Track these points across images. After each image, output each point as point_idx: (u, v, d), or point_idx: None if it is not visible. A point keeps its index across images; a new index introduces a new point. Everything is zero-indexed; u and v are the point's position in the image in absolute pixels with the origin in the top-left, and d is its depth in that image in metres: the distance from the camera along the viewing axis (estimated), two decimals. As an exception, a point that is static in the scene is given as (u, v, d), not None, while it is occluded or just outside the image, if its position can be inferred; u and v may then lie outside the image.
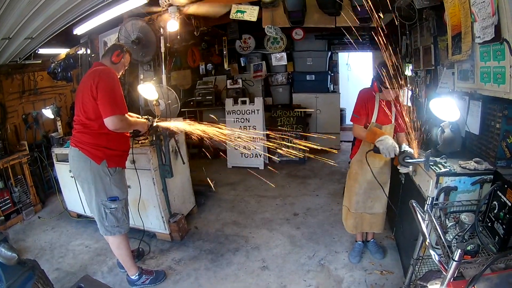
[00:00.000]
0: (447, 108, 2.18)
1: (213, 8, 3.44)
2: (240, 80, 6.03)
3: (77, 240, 3.53)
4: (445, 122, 2.32)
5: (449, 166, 2.12)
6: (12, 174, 3.85)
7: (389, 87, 2.29)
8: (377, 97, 2.49)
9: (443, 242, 1.51)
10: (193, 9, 3.34)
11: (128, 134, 2.71)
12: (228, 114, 5.71)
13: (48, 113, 3.71)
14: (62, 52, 4.37)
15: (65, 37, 3.65)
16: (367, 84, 2.71)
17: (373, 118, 2.51)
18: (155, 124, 2.88)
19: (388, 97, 2.42)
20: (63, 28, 3.21)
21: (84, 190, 2.54)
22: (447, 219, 1.83)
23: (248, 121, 5.63)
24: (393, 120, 2.52)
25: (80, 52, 4.15)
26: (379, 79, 2.37)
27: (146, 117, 2.84)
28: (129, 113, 2.86)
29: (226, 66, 6.14)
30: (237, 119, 5.66)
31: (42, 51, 3.97)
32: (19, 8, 2.60)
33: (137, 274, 2.72)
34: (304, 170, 5.42)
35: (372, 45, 5.26)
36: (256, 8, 3.35)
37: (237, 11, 3.38)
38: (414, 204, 1.82)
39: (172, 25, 3.16)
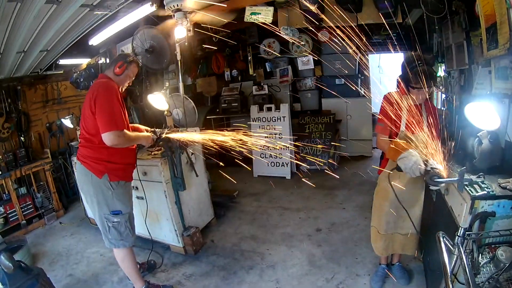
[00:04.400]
0: (485, 115, 1.82)
1: (218, 17, 3.32)
2: (266, 86, 5.84)
3: (93, 248, 3.57)
4: (483, 131, 1.96)
5: (487, 188, 1.75)
6: (35, 180, 4.01)
7: (419, 86, 1.97)
8: (404, 100, 2.15)
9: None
10: (198, 17, 3.22)
11: (135, 147, 2.65)
12: (253, 121, 5.54)
13: (67, 122, 3.80)
14: (84, 62, 4.49)
15: (84, 48, 3.72)
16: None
17: (402, 126, 2.17)
18: (164, 136, 2.80)
19: (418, 99, 2.10)
20: (76, 39, 3.27)
21: (88, 203, 2.54)
22: (480, 255, 1.49)
23: (274, 129, 5.41)
24: (425, 127, 2.13)
25: (100, 61, 4.23)
26: (405, 79, 2.06)
27: (152, 130, 2.78)
28: (137, 126, 2.83)
29: (251, 71, 5.99)
30: (263, 127, 5.47)
31: (63, 61, 4.10)
32: (26, 23, 2.65)
33: None
34: (332, 180, 5.08)
35: (401, 44, 4.82)
36: (271, 8, 3.14)
37: (252, 13, 3.20)
38: (441, 236, 1.51)
39: (179, 31, 3.07)
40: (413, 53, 2.03)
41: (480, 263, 1.45)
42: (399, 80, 2.12)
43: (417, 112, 2.13)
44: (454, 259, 1.49)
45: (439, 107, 3.06)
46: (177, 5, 2.91)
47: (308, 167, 5.43)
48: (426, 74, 1.94)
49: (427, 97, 2.10)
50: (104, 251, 3.46)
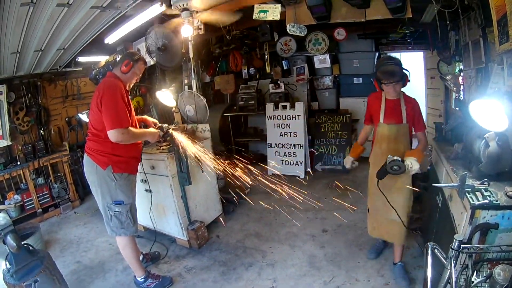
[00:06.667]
0: (493, 114, 1.66)
1: (223, 17, 3.34)
2: (282, 84, 5.76)
3: (103, 237, 3.70)
4: (490, 132, 1.82)
5: (490, 196, 1.61)
6: (53, 171, 4.20)
7: (385, 81, 2.30)
8: (383, 96, 2.46)
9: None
10: (205, 16, 3.25)
11: (140, 141, 2.72)
12: (268, 119, 5.52)
13: (84, 117, 3.96)
14: (102, 59, 4.63)
15: (102, 45, 3.86)
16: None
17: (381, 119, 2.48)
18: (170, 131, 2.87)
19: (388, 95, 2.41)
20: (91, 38, 3.40)
21: (93, 192, 2.65)
22: (477, 272, 1.37)
23: (289, 127, 5.37)
24: (404, 119, 2.40)
25: (118, 59, 4.35)
26: (376, 78, 2.39)
27: (159, 125, 2.86)
28: (145, 118, 2.95)
29: (268, 69, 5.93)
30: (277, 125, 5.44)
31: (82, 59, 4.27)
32: (41, 25, 2.78)
33: (143, 277, 2.77)
34: (346, 180, 4.97)
35: (420, 43, 4.60)
36: (278, 6, 3.10)
37: (260, 11, 3.17)
38: (430, 248, 1.41)
39: (186, 30, 3.10)
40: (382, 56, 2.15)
41: (473, 281, 1.33)
42: (373, 78, 2.46)
43: (393, 105, 2.41)
44: (447, 274, 1.38)
45: (454, 107, 2.93)
46: (184, 4, 2.95)
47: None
48: (389, 71, 2.28)
49: (398, 90, 2.36)
50: (113, 241, 3.54)
